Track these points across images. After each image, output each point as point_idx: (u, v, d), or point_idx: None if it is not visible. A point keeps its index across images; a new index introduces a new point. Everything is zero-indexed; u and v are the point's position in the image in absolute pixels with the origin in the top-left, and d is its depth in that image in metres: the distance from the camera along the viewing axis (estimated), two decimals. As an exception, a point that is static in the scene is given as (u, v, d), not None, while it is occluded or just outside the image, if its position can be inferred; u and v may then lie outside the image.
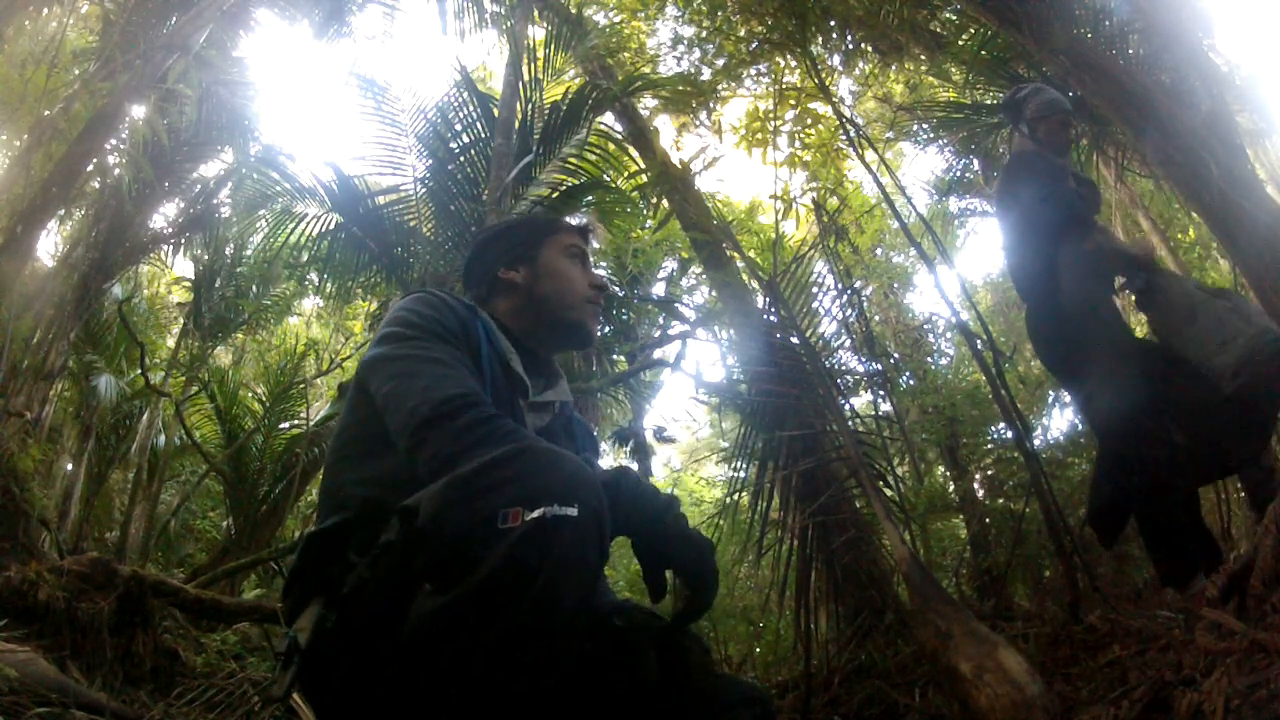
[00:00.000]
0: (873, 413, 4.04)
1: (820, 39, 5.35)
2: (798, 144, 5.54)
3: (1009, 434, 4.92)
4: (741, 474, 3.61)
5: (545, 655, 0.91)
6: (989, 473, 5.91)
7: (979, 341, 4.25)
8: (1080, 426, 5.04)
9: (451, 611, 0.90)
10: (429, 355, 1.23)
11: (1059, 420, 6.70)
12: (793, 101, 5.52)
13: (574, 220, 1.58)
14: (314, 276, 7.14)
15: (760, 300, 4.38)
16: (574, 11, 6.65)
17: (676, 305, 7.86)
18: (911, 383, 6.27)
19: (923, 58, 5.84)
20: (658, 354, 7.36)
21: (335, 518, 1.22)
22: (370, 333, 8.42)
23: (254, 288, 8.75)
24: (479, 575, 0.89)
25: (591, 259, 1.56)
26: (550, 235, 1.53)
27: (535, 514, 0.92)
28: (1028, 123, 3.04)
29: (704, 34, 5.91)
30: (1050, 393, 6.10)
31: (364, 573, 1.03)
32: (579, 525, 0.94)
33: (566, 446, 1.40)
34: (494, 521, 0.92)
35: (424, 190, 5.89)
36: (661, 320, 7.68)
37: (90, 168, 5.53)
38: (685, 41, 6.14)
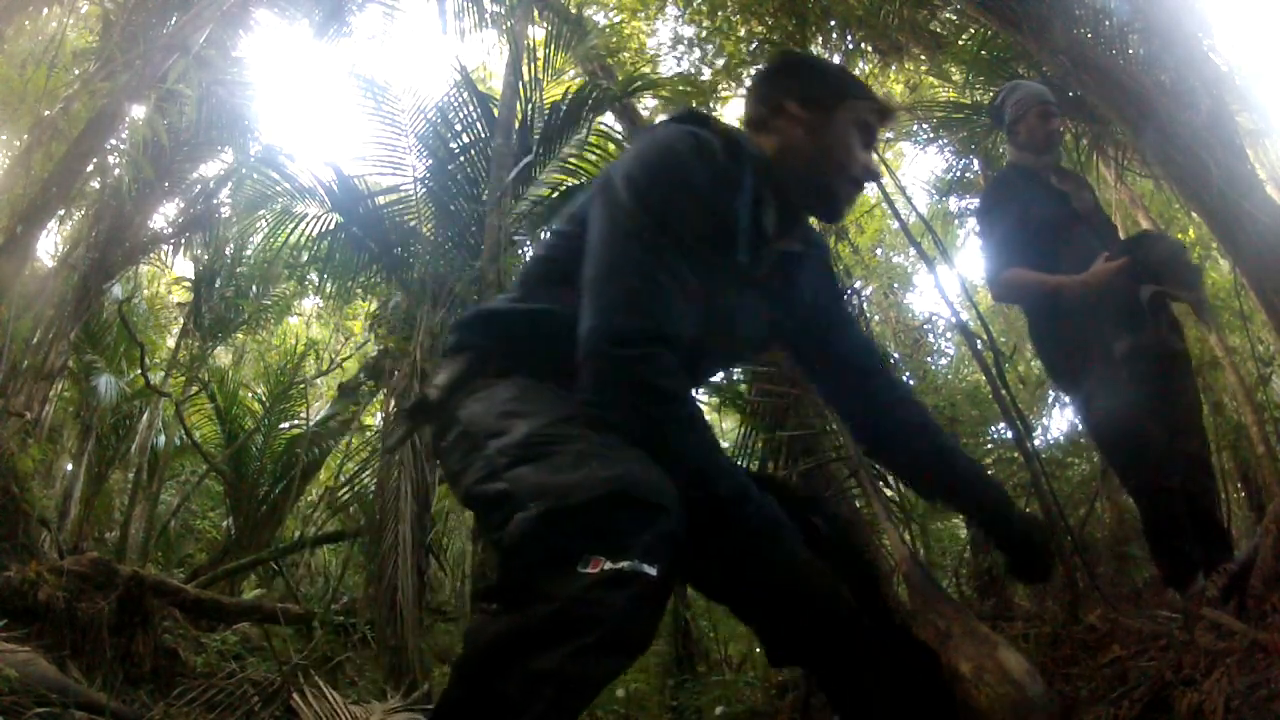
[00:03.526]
0: (873, 413, 4.03)
1: (820, 39, 5.34)
2: (798, 144, 5.53)
3: (1009, 434, 4.92)
4: (741, 474, 3.60)
5: (575, 695, 0.94)
6: (989, 473, 5.90)
7: (979, 341, 4.25)
8: (1079, 427, 5.03)
9: (507, 642, 0.94)
10: (644, 257, 1.17)
11: (1059, 420, 6.70)
12: (793, 101, 5.51)
13: (881, 100, 1.45)
14: (314, 276, 7.14)
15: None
16: (574, 11, 6.65)
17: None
18: (911, 383, 6.27)
19: (923, 58, 5.83)
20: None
21: (544, 304, 1.29)
22: (369, 333, 8.41)
23: (254, 288, 8.74)
24: (544, 613, 0.93)
25: (877, 143, 1.45)
26: (855, 98, 1.40)
27: (619, 565, 0.94)
28: (1009, 128, 2.92)
29: (704, 34, 5.91)
30: (1050, 393, 6.10)
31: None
32: (652, 585, 0.96)
33: (799, 288, 1.44)
34: (575, 563, 0.94)
35: (424, 190, 5.89)
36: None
37: (90, 168, 5.52)
38: (685, 41, 6.14)
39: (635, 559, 0.95)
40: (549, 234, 1.47)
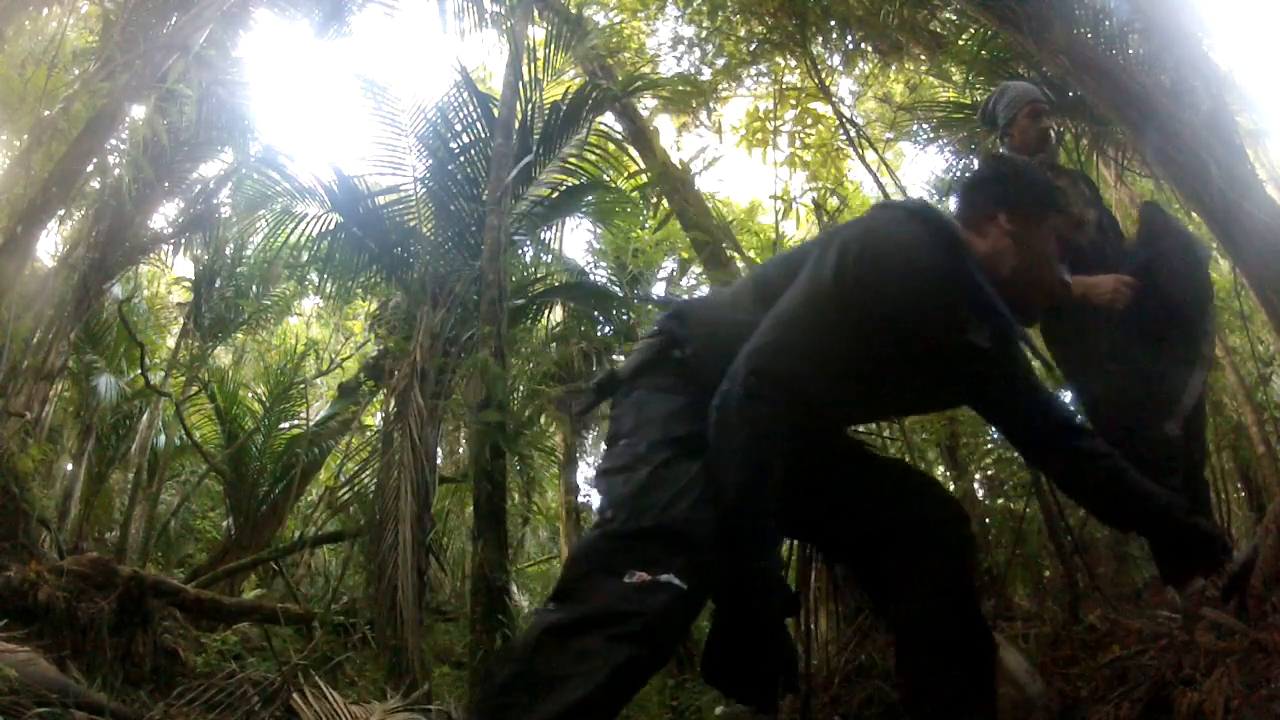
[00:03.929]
0: (873, 413, 4.01)
1: (820, 39, 5.34)
2: (798, 144, 5.53)
3: (1009, 434, 4.91)
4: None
5: (615, 674, 1.12)
6: (989, 473, 5.90)
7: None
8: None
9: (561, 627, 1.17)
10: (814, 325, 1.37)
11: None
12: (793, 101, 5.51)
13: (1074, 215, 1.63)
14: (314, 276, 7.13)
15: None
16: (574, 11, 6.64)
17: (676, 305, 7.82)
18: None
19: (923, 58, 5.83)
20: (658, 354, 7.34)
21: (741, 315, 1.46)
22: (369, 333, 8.41)
23: (254, 288, 8.73)
24: (590, 607, 1.17)
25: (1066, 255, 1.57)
26: (1057, 213, 1.54)
27: (658, 577, 1.17)
28: (1002, 131, 2.89)
29: (704, 34, 5.90)
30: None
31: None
32: (683, 596, 1.18)
33: (978, 371, 1.55)
34: (621, 575, 1.18)
35: (424, 190, 5.88)
36: (661, 320, 7.66)
37: (90, 168, 5.51)
38: (685, 41, 6.14)
39: (671, 574, 1.18)
40: (778, 255, 1.71)
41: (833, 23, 5.22)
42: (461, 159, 5.83)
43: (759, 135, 5.48)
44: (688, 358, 1.47)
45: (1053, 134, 2.89)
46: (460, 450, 8.34)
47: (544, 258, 7.09)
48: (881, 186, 4.84)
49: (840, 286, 1.37)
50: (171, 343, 9.25)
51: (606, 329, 6.92)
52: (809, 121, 5.55)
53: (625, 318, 7.02)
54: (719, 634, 1.33)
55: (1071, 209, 1.58)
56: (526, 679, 1.13)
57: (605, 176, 6.34)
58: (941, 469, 6.80)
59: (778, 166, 5.39)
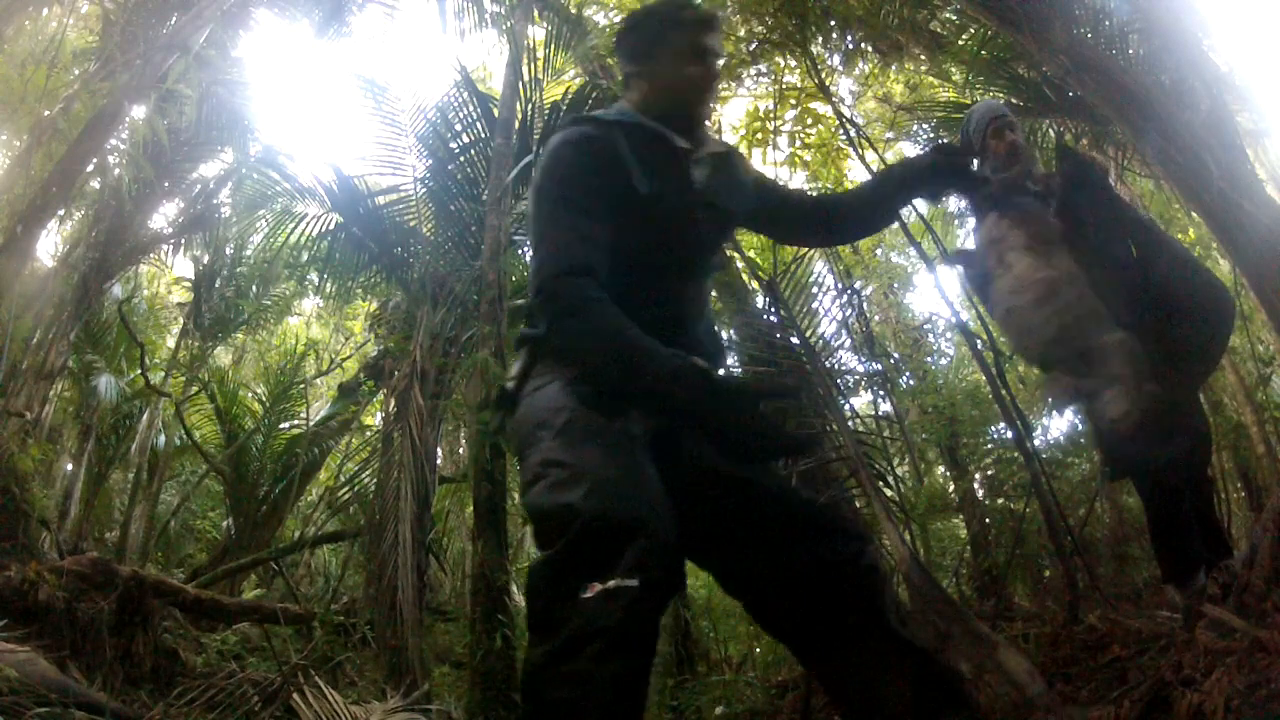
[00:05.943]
0: (873, 413, 4.06)
1: (820, 39, 5.33)
2: (798, 144, 5.53)
3: (1009, 434, 4.92)
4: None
5: (616, 688, 1.16)
6: (989, 473, 5.91)
7: (979, 341, 4.26)
8: (1080, 426, 5.04)
9: (546, 661, 1.19)
10: (560, 217, 1.49)
11: (1059, 420, 6.69)
12: (793, 101, 5.51)
13: (692, 14, 1.67)
14: (314, 276, 7.13)
15: (760, 300, 4.38)
16: (574, 11, 6.65)
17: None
18: (911, 383, 6.27)
19: (923, 58, 5.83)
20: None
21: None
22: (369, 333, 8.41)
23: (254, 288, 8.73)
24: (564, 635, 1.18)
25: (712, 43, 1.67)
26: (667, 36, 1.64)
27: (608, 585, 1.17)
28: (979, 153, 2.78)
29: (704, 34, 5.88)
30: (1050, 393, 6.07)
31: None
32: (638, 593, 1.17)
33: (735, 194, 1.71)
34: (576, 592, 1.18)
35: (424, 190, 5.89)
36: (661, 320, 7.66)
37: (90, 168, 5.52)
38: (685, 41, 6.12)
39: (620, 577, 1.17)
40: None
41: (833, 23, 5.21)
42: (461, 159, 5.83)
43: (759, 135, 5.47)
44: (541, 336, 1.51)
45: (1020, 145, 2.82)
46: (460, 450, 8.35)
47: (544, 258, 7.08)
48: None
49: (539, 208, 1.55)
50: (171, 343, 9.25)
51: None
52: (809, 121, 5.55)
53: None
54: (710, 432, 1.38)
55: (686, 19, 1.66)
56: (547, 713, 1.18)
57: (605, 176, 6.33)
58: (941, 469, 6.81)
59: (778, 166, 5.38)
